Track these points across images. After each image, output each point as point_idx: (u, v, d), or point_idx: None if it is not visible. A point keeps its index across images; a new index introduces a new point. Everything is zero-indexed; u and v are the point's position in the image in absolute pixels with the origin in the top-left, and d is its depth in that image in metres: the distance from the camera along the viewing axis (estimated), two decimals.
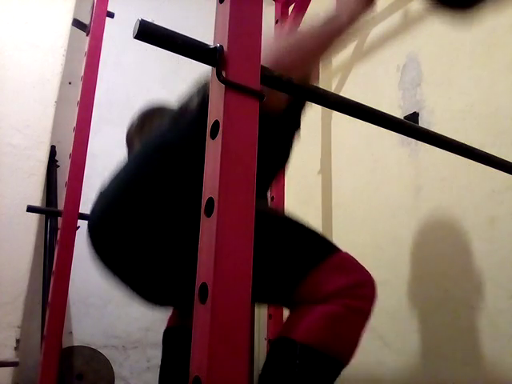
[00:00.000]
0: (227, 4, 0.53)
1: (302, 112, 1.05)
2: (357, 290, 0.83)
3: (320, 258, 0.84)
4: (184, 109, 0.99)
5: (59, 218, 1.54)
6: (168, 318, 1.25)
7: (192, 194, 0.74)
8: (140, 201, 0.87)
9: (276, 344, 0.83)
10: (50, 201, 1.92)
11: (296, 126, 1.05)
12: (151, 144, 0.98)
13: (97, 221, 0.93)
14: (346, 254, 0.88)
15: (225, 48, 0.52)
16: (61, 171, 1.99)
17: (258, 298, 0.82)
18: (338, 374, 0.83)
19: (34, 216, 1.75)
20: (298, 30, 0.89)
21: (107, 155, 2.17)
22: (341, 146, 1.98)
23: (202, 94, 0.91)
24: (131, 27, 0.50)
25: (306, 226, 0.91)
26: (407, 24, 1.75)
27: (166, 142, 0.94)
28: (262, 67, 0.55)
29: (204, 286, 0.46)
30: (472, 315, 1.33)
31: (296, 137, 1.07)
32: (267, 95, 0.76)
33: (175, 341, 1.16)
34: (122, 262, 0.91)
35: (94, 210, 0.97)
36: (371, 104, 0.71)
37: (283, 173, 1.90)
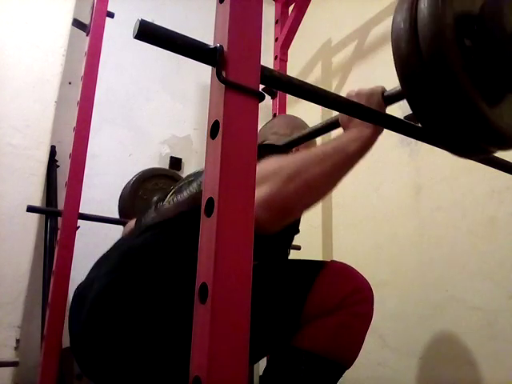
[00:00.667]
0: (227, 4, 0.53)
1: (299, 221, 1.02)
2: (355, 296, 0.83)
3: (312, 279, 0.83)
4: (174, 206, 0.97)
5: (59, 217, 1.54)
6: None
7: (175, 304, 0.72)
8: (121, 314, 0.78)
9: (280, 352, 0.84)
10: (49, 201, 1.92)
11: (295, 231, 1.03)
12: (132, 250, 0.89)
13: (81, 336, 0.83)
14: (334, 263, 0.88)
15: (225, 48, 0.52)
16: (61, 171, 1.98)
17: (268, 346, 0.83)
18: (340, 376, 0.85)
19: (34, 216, 1.75)
20: (307, 154, 0.85)
21: (107, 155, 2.17)
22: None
23: (192, 197, 0.90)
24: (131, 27, 0.50)
25: (287, 260, 0.91)
26: None
27: (149, 246, 0.86)
28: (262, 67, 0.55)
29: (204, 286, 0.46)
30: (472, 315, 1.33)
31: (293, 236, 1.06)
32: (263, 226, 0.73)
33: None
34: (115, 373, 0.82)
35: (77, 319, 0.85)
36: None
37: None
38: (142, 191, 1.64)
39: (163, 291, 0.76)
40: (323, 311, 0.82)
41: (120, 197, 1.68)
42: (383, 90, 0.86)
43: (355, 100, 0.81)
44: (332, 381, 0.83)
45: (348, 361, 0.84)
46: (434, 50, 0.63)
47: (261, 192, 0.72)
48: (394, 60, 0.69)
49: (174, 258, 0.79)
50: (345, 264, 0.88)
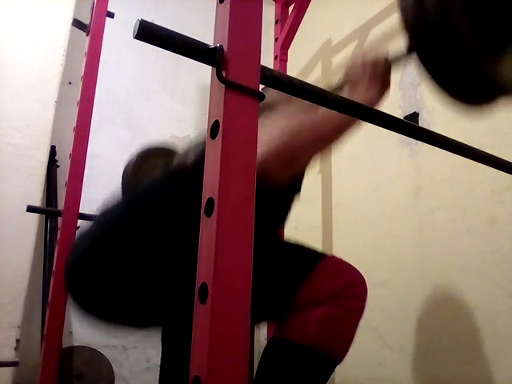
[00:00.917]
0: (227, 4, 0.53)
1: (304, 179, 1.08)
2: (348, 290, 0.84)
3: (309, 268, 0.85)
4: (180, 164, 1.00)
5: (59, 218, 1.54)
6: None
7: (175, 245, 0.76)
8: (123, 244, 0.83)
9: (272, 345, 0.84)
10: (49, 201, 1.92)
11: (297, 190, 1.08)
12: (143, 192, 0.96)
13: (78, 263, 0.87)
14: (333, 257, 0.90)
15: (225, 48, 0.52)
16: (61, 171, 1.98)
17: (256, 318, 0.83)
18: (332, 370, 0.85)
19: (34, 216, 1.75)
20: (313, 113, 0.90)
21: (107, 155, 2.17)
22: (341, 146, 1.98)
23: (199, 153, 0.91)
24: (131, 27, 0.50)
25: (290, 242, 0.92)
26: None
27: (158, 192, 0.92)
28: (262, 67, 0.55)
29: (204, 286, 0.46)
30: (472, 315, 1.33)
31: (296, 198, 1.10)
32: (275, 173, 0.82)
33: (175, 341, 1.16)
34: (107, 306, 0.86)
35: (76, 251, 0.91)
36: None
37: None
38: (144, 169, 1.62)
39: (171, 236, 0.81)
40: (314, 301, 0.82)
41: (122, 177, 1.65)
42: (386, 57, 0.91)
43: (361, 71, 0.90)
44: (324, 375, 0.83)
45: (339, 355, 0.84)
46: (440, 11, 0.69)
47: (273, 144, 0.82)
48: (402, 19, 0.74)
49: (186, 207, 0.82)
50: (343, 260, 0.90)
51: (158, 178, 1.04)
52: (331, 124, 0.88)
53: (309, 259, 0.88)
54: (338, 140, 0.90)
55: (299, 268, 0.86)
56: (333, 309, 0.82)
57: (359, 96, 0.88)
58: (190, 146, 1.06)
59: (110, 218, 0.90)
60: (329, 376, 0.84)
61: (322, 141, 0.89)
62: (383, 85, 0.91)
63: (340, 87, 0.96)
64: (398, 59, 0.89)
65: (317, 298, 0.82)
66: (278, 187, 0.90)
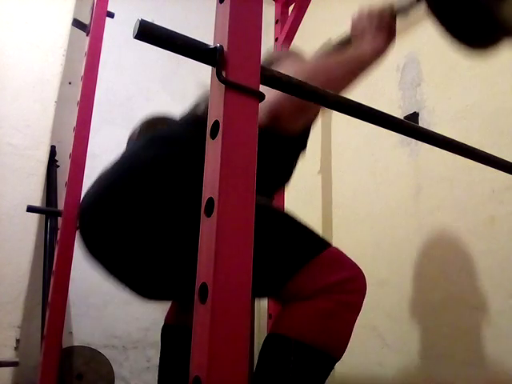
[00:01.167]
0: (227, 4, 0.53)
1: (310, 134, 1.10)
2: (347, 284, 0.84)
3: (311, 255, 0.84)
4: (192, 113, 1.01)
5: (59, 217, 1.54)
6: (166, 313, 1.25)
7: (191, 189, 0.75)
8: (139, 189, 0.85)
9: (269, 341, 0.83)
10: (49, 201, 1.92)
11: (304, 146, 1.09)
12: (157, 136, 0.97)
13: (91, 207, 0.90)
14: (336, 249, 0.89)
15: (225, 48, 0.52)
16: (61, 171, 1.98)
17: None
18: (331, 368, 0.83)
19: (34, 216, 1.75)
20: (324, 56, 0.93)
21: (107, 155, 2.17)
22: (341, 146, 1.98)
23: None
24: (131, 27, 0.50)
25: (299, 221, 0.91)
26: (407, 24, 1.75)
27: (173, 136, 0.94)
28: (262, 67, 0.55)
29: (204, 286, 0.46)
30: (472, 315, 1.33)
31: (302, 155, 1.11)
32: (289, 118, 0.84)
33: (174, 339, 1.16)
34: (115, 254, 0.89)
35: (88, 194, 0.94)
36: (371, 104, 0.71)
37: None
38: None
39: (174, 199, 0.82)
40: (311, 289, 0.82)
41: (128, 143, 1.63)
42: (392, 8, 0.96)
43: (367, 22, 0.95)
44: (322, 372, 0.82)
45: (337, 351, 0.83)
46: None
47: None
48: None
49: (186, 170, 0.84)
50: (345, 254, 0.89)
51: (170, 126, 1.04)
52: (344, 68, 0.90)
53: (314, 245, 0.87)
54: (350, 83, 0.92)
55: (303, 250, 0.85)
56: (330, 303, 0.81)
57: (366, 46, 0.92)
58: (200, 98, 1.07)
59: (129, 162, 0.91)
60: (328, 373, 0.83)
61: (335, 83, 0.90)
62: (389, 34, 0.96)
63: (347, 40, 0.99)
64: (403, 8, 0.92)
65: (313, 287, 0.82)
66: (290, 134, 0.91)
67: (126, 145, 1.49)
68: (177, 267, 0.83)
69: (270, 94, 0.83)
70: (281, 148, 0.95)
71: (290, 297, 0.84)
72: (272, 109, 0.84)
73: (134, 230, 0.84)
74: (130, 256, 0.87)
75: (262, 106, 0.82)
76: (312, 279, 0.82)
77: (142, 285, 0.95)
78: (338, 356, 0.83)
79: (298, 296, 0.83)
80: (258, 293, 0.87)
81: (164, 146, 0.91)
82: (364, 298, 0.86)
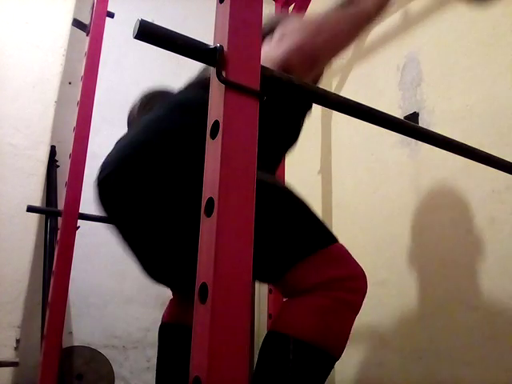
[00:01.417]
0: (227, 4, 0.53)
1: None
2: (347, 283, 0.83)
3: (318, 246, 0.84)
4: (202, 76, 1.03)
5: (59, 217, 1.54)
6: (164, 312, 1.24)
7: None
8: (159, 155, 0.87)
9: (268, 339, 0.83)
10: (49, 201, 1.92)
11: (310, 104, 1.11)
12: (177, 104, 0.98)
13: (116, 165, 0.92)
14: (342, 246, 0.88)
15: (225, 48, 0.52)
16: (61, 171, 1.98)
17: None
18: (330, 367, 0.83)
19: (34, 216, 1.75)
20: (328, 13, 0.95)
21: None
22: (341, 146, 1.98)
23: None
24: (131, 27, 0.50)
25: (312, 211, 0.90)
26: (407, 24, 1.75)
27: (192, 103, 0.95)
28: (262, 67, 0.55)
29: (204, 286, 0.46)
30: (472, 315, 1.33)
31: (308, 114, 1.11)
32: (298, 71, 0.86)
33: (172, 339, 1.16)
34: (134, 216, 0.91)
35: (111, 156, 0.96)
36: (371, 104, 0.71)
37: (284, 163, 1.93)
38: (149, 110, 1.61)
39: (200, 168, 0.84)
40: (310, 282, 0.81)
41: (129, 119, 1.63)
42: None
43: None
44: (322, 371, 0.81)
45: (335, 349, 0.82)
46: None
47: (295, 39, 0.87)
48: None
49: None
50: (349, 252, 0.88)
51: (184, 93, 1.05)
52: (348, 23, 0.93)
53: (321, 237, 0.86)
54: (353, 39, 0.96)
55: (309, 241, 0.85)
56: (328, 300, 0.80)
57: (369, 1, 0.94)
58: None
59: (156, 126, 0.93)
60: (327, 372, 0.83)
61: (339, 38, 0.93)
62: None
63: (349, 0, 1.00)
64: None
65: (312, 280, 0.81)
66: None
67: (127, 120, 1.50)
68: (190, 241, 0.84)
69: (280, 47, 0.87)
70: (289, 105, 0.96)
71: (290, 287, 0.83)
72: (283, 62, 0.86)
73: (156, 191, 0.86)
74: (148, 220, 0.89)
75: (273, 60, 0.85)
76: (314, 271, 0.82)
77: (153, 255, 0.97)
78: (336, 354, 0.82)
79: (297, 287, 0.82)
80: (258, 276, 0.87)
81: (186, 113, 0.92)
82: (364, 298, 0.85)
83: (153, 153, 0.87)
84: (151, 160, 0.87)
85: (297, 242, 0.84)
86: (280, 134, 1.01)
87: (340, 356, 0.83)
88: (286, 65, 0.86)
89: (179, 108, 0.95)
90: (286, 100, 0.97)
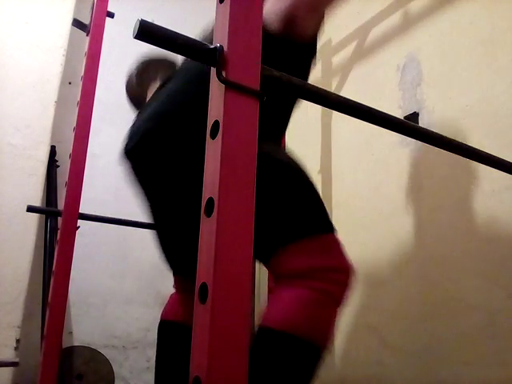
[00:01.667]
0: (227, 4, 0.53)
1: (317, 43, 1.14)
2: (333, 274, 0.82)
3: (312, 232, 0.84)
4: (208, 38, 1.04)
5: (59, 217, 1.54)
6: (163, 309, 1.22)
7: None
8: (182, 125, 0.90)
9: (257, 334, 0.83)
10: (49, 201, 1.92)
11: (314, 53, 1.11)
12: (197, 72, 0.98)
13: (139, 140, 0.98)
14: (336, 237, 0.88)
15: (225, 48, 0.52)
16: (61, 171, 1.99)
17: None
18: (318, 359, 0.82)
19: (34, 216, 1.75)
20: None
21: (107, 155, 2.17)
22: (341, 146, 1.98)
23: None
24: (131, 27, 0.50)
25: (315, 191, 0.90)
26: (407, 24, 1.75)
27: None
28: (262, 67, 0.55)
29: (204, 286, 0.46)
30: (472, 315, 1.33)
31: (313, 63, 1.11)
32: (303, 19, 0.91)
33: (172, 337, 1.15)
34: (158, 183, 0.97)
35: (137, 127, 1.03)
36: (371, 104, 0.71)
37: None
38: (147, 77, 1.62)
39: None
40: (297, 269, 0.81)
41: (127, 87, 1.63)
42: None
43: None
44: (309, 362, 0.81)
45: (321, 340, 0.81)
46: None
47: None
48: None
49: None
50: (341, 246, 0.88)
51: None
52: None
53: (320, 223, 0.86)
54: None
55: (307, 223, 0.84)
56: (310, 292, 0.80)
57: None
58: (209, 25, 1.10)
59: (182, 96, 0.95)
60: (315, 363, 0.82)
61: None
62: None
63: None
64: None
65: (297, 265, 0.81)
66: (303, 41, 0.96)
67: (126, 89, 1.51)
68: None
69: (282, 1, 0.90)
70: (295, 56, 0.97)
71: (278, 269, 0.83)
72: (288, 12, 0.89)
73: (182, 158, 0.90)
74: (175, 187, 0.93)
75: (277, 13, 0.88)
76: (304, 256, 0.81)
77: (175, 225, 1.01)
78: (322, 345, 0.81)
79: (285, 269, 0.82)
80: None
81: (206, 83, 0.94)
82: (348, 292, 0.84)
83: (177, 123, 0.91)
84: (175, 130, 0.91)
85: (293, 222, 0.84)
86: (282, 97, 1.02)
87: (327, 346, 0.82)
88: (292, 15, 0.89)
89: (200, 78, 0.97)
90: (296, 53, 0.98)
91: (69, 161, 1.48)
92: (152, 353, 2.02)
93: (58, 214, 1.60)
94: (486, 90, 1.41)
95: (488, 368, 1.27)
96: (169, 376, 1.11)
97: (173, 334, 1.15)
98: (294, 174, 0.89)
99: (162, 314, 1.21)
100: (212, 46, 0.52)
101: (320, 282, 0.80)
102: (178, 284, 1.22)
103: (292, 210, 0.84)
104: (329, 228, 0.87)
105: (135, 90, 1.52)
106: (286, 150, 1.02)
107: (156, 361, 1.16)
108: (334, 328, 0.83)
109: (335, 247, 0.86)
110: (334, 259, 0.84)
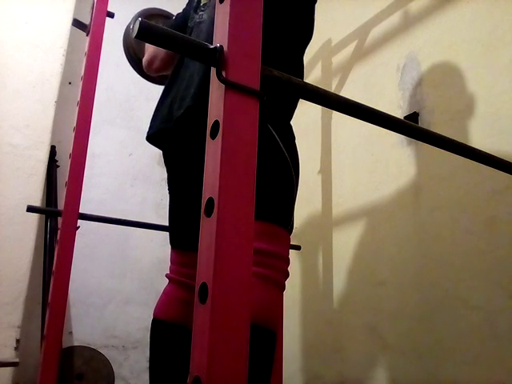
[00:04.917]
0: (227, 4, 0.53)
1: None
2: (280, 262, 0.90)
3: (276, 220, 0.90)
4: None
5: (59, 218, 1.54)
6: (156, 305, 1.16)
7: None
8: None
9: None
10: (49, 201, 1.92)
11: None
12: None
13: (167, 124, 1.09)
14: (289, 236, 0.95)
15: (225, 48, 0.52)
16: (61, 171, 1.99)
17: None
18: (275, 345, 0.86)
19: (34, 216, 1.75)
20: None
21: (107, 155, 2.17)
22: (341, 146, 1.98)
23: None
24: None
25: (295, 190, 0.98)
26: (407, 24, 1.75)
27: None
28: (262, 67, 0.55)
29: (204, 286, 0.46)
30: (472, 315, 1.33)
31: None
32: None
33: (168, 339, 1.12)
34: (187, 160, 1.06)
35: (163, 110, 1.13)
36: (371, 104, 0.71)
37: None
38: None
39: None
40: (255, 247, 0.88)
41: (125, 41, 1.61)
42: None
43: None
44: (272, 349, 0.85)
45: (276, 327, 0.86)
46: None
47: None
48: None
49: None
50: (289, 245, 0.95)
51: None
52: None
53: (283, 215, 0.92)
54: None
55: (274, 209, 0.91)
56: (262, 281, 0.85)
57: None
58: None
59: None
60: (274, 351, 0.85)
61: None
62: None
63: None
64: None
65: (258, 244, 0.85)
66: None
67: (123, 44, 1.54)
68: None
69: None
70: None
71: None
72: None
73: None
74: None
75: None
76: (263, 236, 0.87)
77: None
78: (276, 331, 0.86)
79: None
80: None
81: None
82: (285, 279, 0.91)
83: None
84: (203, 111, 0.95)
85: (262, 202, 0.90)
86: (299, 21, 1.04)
87: (276, 330, 0.87)
88: None
89: None
90: None
91: (69, 161, 1.48)
92: None
93: (58, 214, 1.60)
94: (486, 90, 1.41)
95: (488, 368, 1.27)
96: (162, 376, 1.09)
97: (165, 335, 1.12)
98: (287, 167, 0.96)
99: (154, 311, 1.16)
100: (212, 46, 0.52)
101: (264, 268, 0.86)
102: (176, 257, 1.21)
103: (266, 192, 0.90)
104: (288, 224, 0.94)
105: (133, 46, 1.53)
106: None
107: (150, 361, 1.13)
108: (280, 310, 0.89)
109: (286, 242, 0.94)
110: (285, 250, 0.92)
